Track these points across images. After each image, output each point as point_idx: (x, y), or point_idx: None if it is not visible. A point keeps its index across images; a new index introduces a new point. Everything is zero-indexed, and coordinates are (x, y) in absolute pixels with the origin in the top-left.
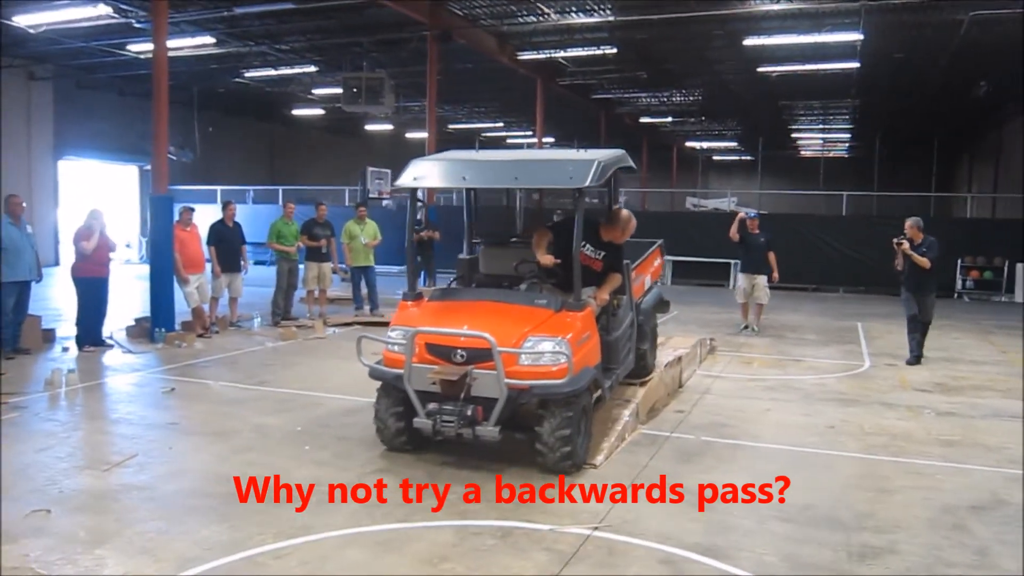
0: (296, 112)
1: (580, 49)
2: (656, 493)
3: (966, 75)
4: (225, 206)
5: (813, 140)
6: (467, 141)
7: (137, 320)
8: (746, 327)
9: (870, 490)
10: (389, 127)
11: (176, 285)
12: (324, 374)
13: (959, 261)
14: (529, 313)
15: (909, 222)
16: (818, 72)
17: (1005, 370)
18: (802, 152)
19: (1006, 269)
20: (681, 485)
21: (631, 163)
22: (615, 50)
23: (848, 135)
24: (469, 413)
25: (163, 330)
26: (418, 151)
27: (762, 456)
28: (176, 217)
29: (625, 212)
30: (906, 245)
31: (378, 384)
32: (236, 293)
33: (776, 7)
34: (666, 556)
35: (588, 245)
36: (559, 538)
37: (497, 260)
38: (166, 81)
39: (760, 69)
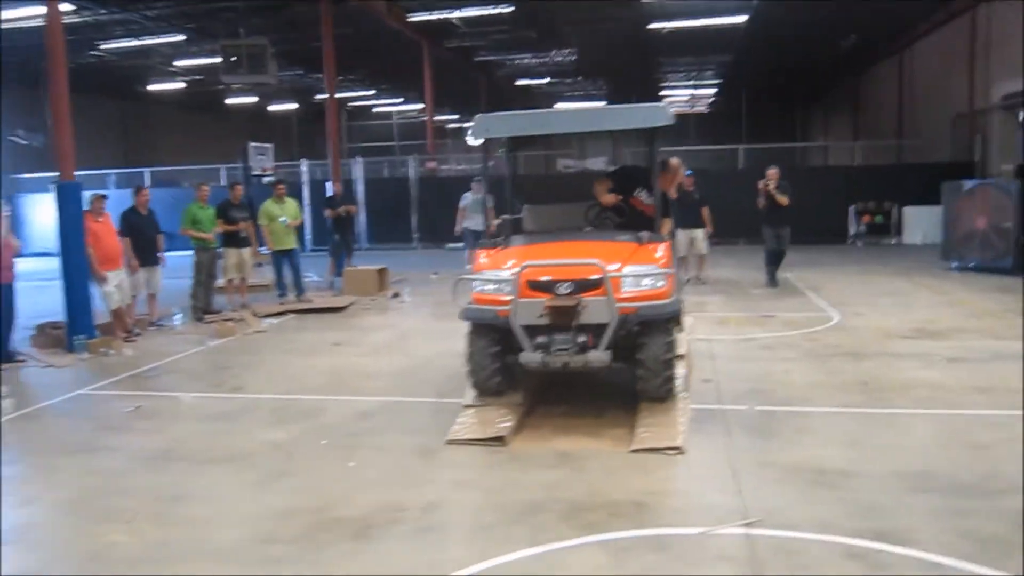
0: (152, 87)
1: (476, 9)
2: (768, 475)
3: (838, 27)
4: (137, 191)
5: (681, 97)
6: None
7: (39, 327)
8: (688, 280)
9: (968, 447)
10: (253, 100)
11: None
12: (295, 373)
13: (852, 207)
14: (616, 247)
15: (772, 170)
16: (708, 28)
17: (962, 311)
18: None
19: (895, 213)
20: (783, 463)
21: None
22: (512, 8)
23: (715, 90)
24: (581, 340)
25: (84, 338)
26: (283, 124)
27: (828, 422)
28: (86, 206)
29: (675, 160)
30: (772, 186)
31: (466, 329)
32: (154, 289)
33: None
34: (846, 549)
35: (643, 191)
36: (720, 542)
37: (542, 217)
38: (63, 50)
39: (651, 26)
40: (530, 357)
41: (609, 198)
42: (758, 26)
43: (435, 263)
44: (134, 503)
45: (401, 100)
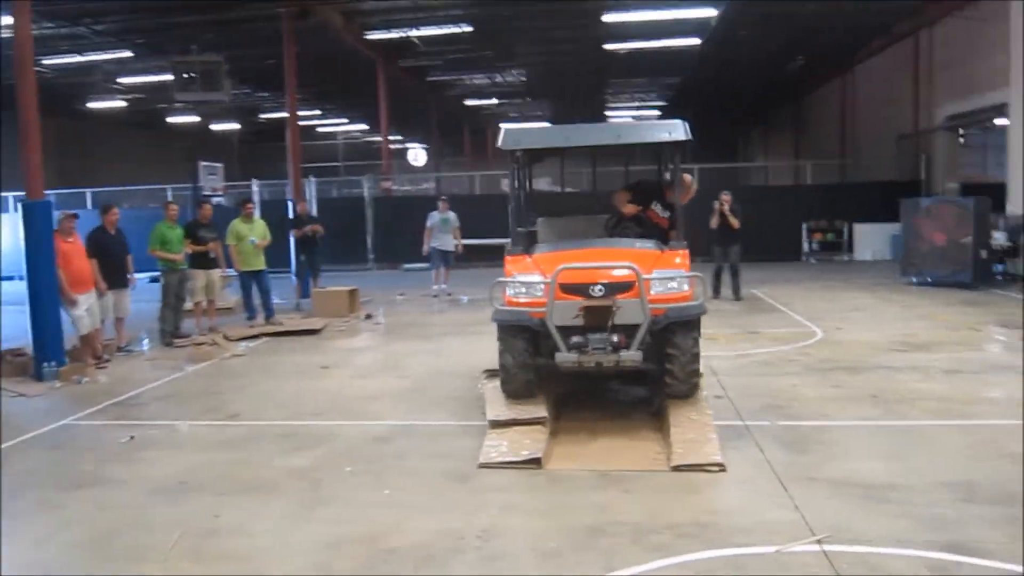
0: (90, 105)
1: (435, 27)
2: (818, 490)
3: (788, 50)
4: (106, 210)
5: (624, 118)
6: (279, 130)
7: (1, 354)
8: None
9: (1000, 457)
10: (195, 119)
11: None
12: (290, 397)
13: (804, 225)
14: (640, 253)
15: (726, 195)
16: (663, 49)
17: (936, 324)
18: None
19: (846, 230)
20: (827, 477)
21: None
22: (471, 28)
23: (658, 112)
24: (615, 339)
25: (54, 365)
26: (225, 144)
27: (854, 435)
28: (55, 226)
29: (688, 176)
30: (726, 207)
31: (496, 334)
32: (123, 312)
33: None
34: (926, 562)
35: (658, 205)
36: (800, 560)
37: (557, 228)
38: (31, 64)
39: (607, 47)
40: (565, 357)
41: (631, 208)
42: (710, 48)
43: (396, 283)
44: (163, 539)
45: (346, 120)
